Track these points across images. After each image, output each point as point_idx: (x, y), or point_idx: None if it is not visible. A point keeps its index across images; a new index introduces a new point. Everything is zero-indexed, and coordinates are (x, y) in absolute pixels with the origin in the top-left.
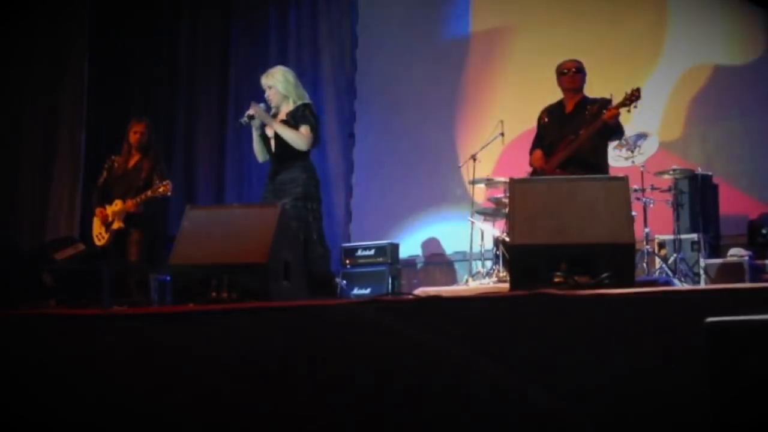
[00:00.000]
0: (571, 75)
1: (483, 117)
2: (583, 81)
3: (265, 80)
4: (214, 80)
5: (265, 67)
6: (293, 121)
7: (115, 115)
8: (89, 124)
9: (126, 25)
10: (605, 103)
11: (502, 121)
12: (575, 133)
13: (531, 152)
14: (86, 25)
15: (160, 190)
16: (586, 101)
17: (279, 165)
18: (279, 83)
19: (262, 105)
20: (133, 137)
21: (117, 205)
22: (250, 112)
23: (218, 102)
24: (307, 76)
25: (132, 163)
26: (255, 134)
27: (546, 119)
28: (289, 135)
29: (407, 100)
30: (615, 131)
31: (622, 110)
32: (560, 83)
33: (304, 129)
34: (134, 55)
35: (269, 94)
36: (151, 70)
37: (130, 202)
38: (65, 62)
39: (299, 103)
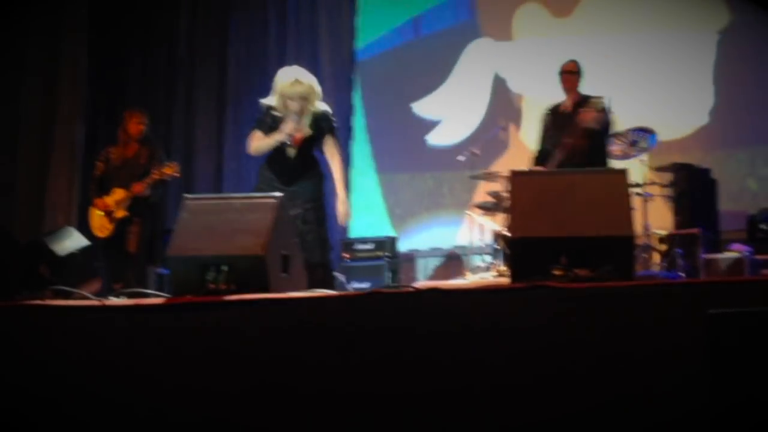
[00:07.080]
0: (568, 75)
1: (483, 110)
2: (579, 81)
3: (301, 88)
4: (212, 72)
5: (264, 58)
6: (322, 132)
7: (114, 107)
8: (87, 116)
9: (125, 17)
10: (596, 104)
11: (502, 115)
12: (572, 133)
13: (533, 159)
14: (85, 17)
15: (166, 171)
16: (583, 100)
17: (296, 173)
18: (315, 100)
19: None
20: (136, 128)
21: (118, 195)
22: (292, 132)
23: (217, 94)
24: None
25: (130, 152)
26: (276, 137)
27: (546, 122)
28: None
29: (405, 92)
30: (598, 130)
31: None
32: (561, 82)
33: (332, 142)
34: (133, 46)
35: (301, 106)
36: (149, 61)
37: (137, 186)
38: (63, 54)
39: (320, 111)
